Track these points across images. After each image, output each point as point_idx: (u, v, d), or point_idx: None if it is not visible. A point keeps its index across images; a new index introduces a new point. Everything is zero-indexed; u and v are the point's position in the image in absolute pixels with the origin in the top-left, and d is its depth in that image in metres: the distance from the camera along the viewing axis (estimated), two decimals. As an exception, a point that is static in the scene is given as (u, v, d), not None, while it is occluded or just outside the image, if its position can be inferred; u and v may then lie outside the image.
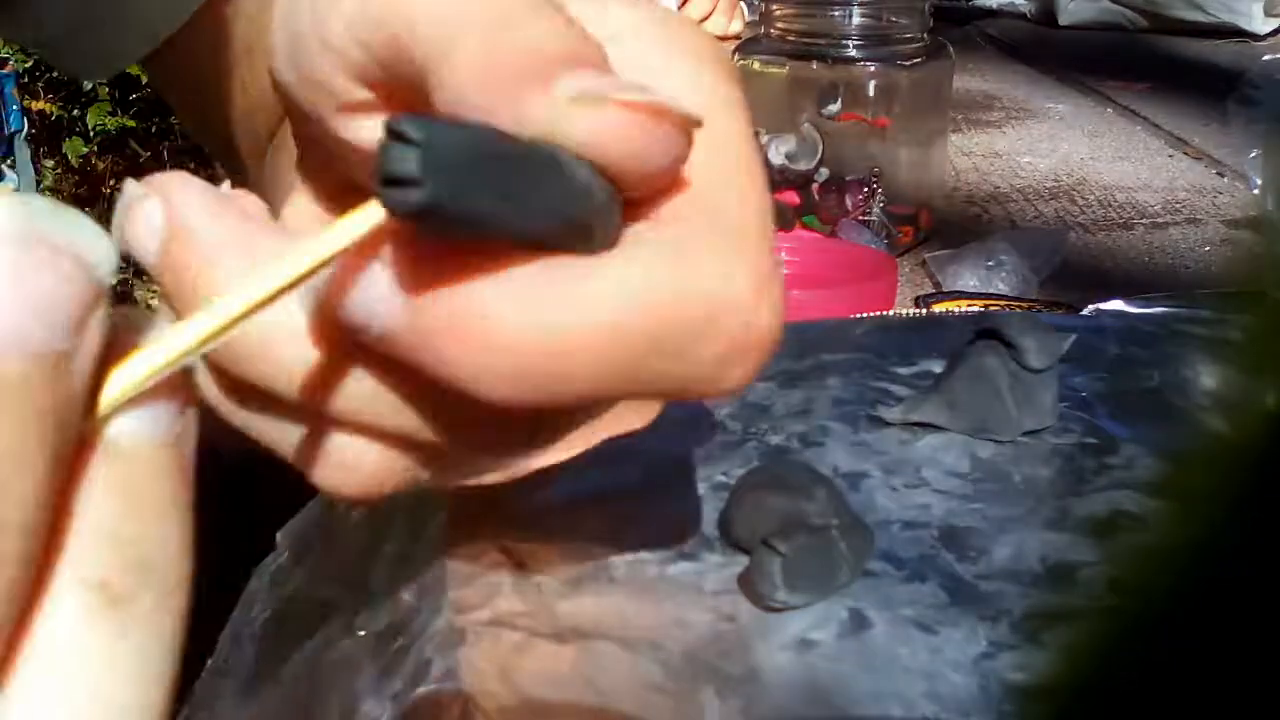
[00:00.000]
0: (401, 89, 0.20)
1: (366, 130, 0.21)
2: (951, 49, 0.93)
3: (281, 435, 0.22)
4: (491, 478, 0.26)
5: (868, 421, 0.49)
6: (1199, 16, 1.63)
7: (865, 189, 0.89)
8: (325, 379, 0.20)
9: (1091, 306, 0.61)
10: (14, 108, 2.28)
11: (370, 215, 0.17)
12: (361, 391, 0.20)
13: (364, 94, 0.20)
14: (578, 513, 0.43)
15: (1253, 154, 0.71)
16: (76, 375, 0.15)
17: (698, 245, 0.19)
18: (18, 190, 2.27)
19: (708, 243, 0.19)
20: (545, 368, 0.18)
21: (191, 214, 0.19)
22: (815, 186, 0.90)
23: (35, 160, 2.42)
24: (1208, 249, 0.89)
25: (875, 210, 0.89)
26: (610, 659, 0.36)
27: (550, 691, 0.34)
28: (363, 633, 0.37)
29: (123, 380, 0.15)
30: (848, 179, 0.89)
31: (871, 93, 0.89)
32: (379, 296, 0.18)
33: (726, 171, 0.20)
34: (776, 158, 0.87)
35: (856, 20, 0.89)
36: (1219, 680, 0.14)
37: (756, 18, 1.08)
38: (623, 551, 0.41)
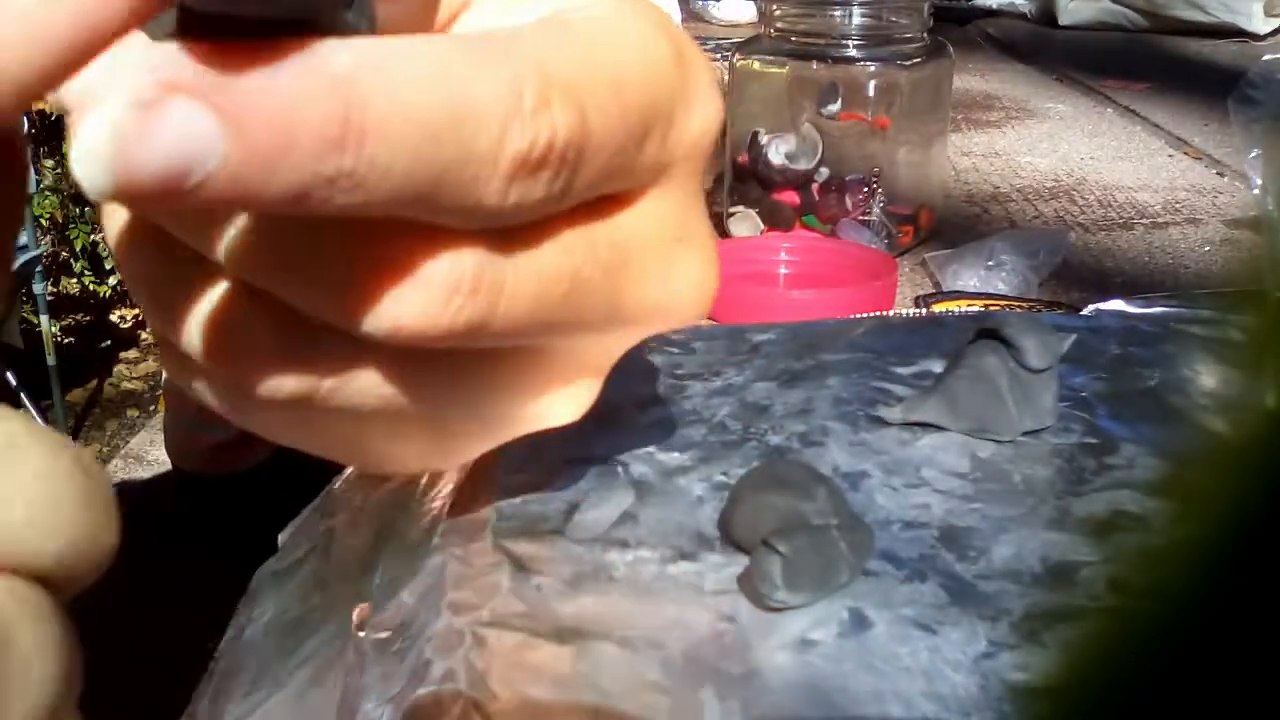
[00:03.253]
0: None
1: None
2: (951, 49, 0.93)
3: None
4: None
5: (868, 421, 0.49)
6: (1199, 16, 1.63)
7: (865, 189, 0.89)
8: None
9: (1091, 306, 0.61)
10: (14, 108, 2.28)
11: None
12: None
13: None
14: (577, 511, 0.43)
15: (1253, 154, 0.71)
16: None
17: None
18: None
19: None
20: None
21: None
22: (815, 186, 0.90)
23: (35, 160, 2.42)
24: (1208, 249, 0.89)
25: (875, 210, 0.89)
26: (610, 659, 0.35)
27: (550, 691, 0.34)
28: (363, 633, 0.37)
29: None
30: (848, 179, 0.89)
31: (871, 93, 0.89)
32: (201, 133, 0.17)
33: None
34: (776, 158, 0.87)
35: (856, 20, 0.89)
36: (1220, 681, 0.14)
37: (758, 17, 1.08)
38: (623, 551, 0.41)
